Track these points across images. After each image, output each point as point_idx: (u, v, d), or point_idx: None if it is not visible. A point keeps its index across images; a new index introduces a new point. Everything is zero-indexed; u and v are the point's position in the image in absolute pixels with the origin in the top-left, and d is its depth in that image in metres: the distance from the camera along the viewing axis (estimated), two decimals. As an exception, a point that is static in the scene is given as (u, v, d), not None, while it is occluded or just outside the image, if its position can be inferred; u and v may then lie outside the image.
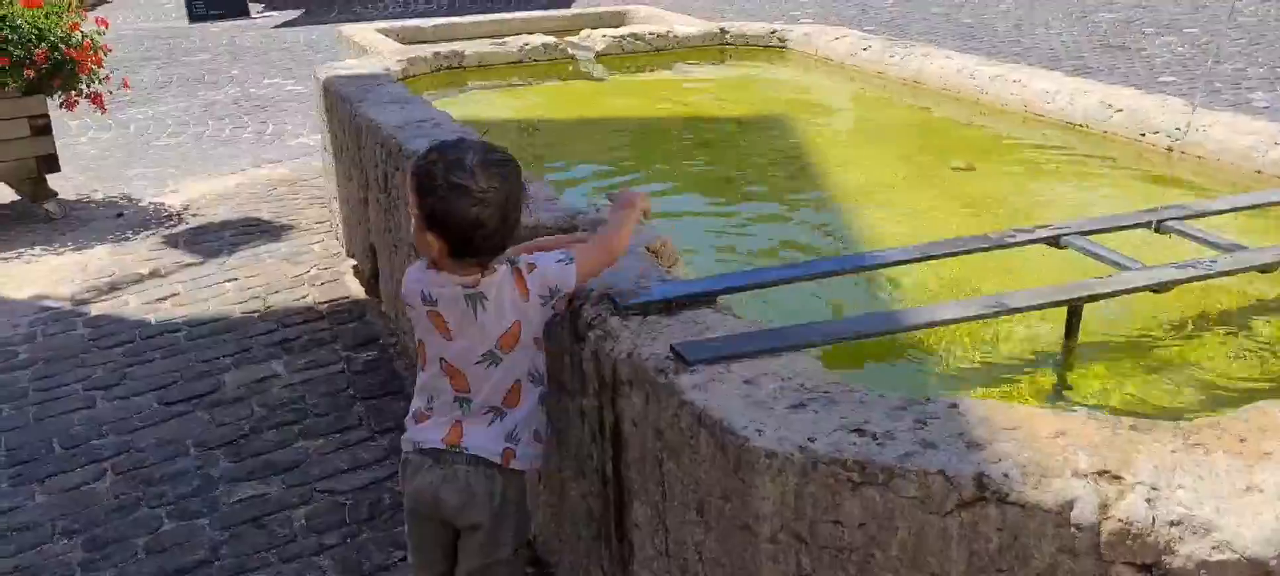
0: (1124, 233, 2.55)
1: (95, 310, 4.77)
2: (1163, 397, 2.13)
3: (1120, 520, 1.48)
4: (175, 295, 4.87)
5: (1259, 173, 3.22)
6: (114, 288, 5.02)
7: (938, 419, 1.66)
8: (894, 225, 3.15)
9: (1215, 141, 3.39)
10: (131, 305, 4.80)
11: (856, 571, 1.63)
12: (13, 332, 4.56)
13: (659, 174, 3.87)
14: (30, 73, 5.69)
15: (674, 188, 3.69)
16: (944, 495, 1.54)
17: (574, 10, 6.97)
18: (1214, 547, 1.45)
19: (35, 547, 3.07)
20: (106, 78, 6.18)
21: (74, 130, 8.08)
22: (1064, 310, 2.19)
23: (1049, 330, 2.32)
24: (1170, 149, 3.50)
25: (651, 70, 5.30)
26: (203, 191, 6.53)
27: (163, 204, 6.31)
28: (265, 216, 5.94)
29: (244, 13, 14.25)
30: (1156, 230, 2.56)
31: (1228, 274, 2.27)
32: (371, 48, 5.30)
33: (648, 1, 6.62)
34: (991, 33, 10.85)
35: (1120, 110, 3.71)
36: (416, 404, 2.17)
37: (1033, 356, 2.26)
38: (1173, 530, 1.47)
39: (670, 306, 2.12)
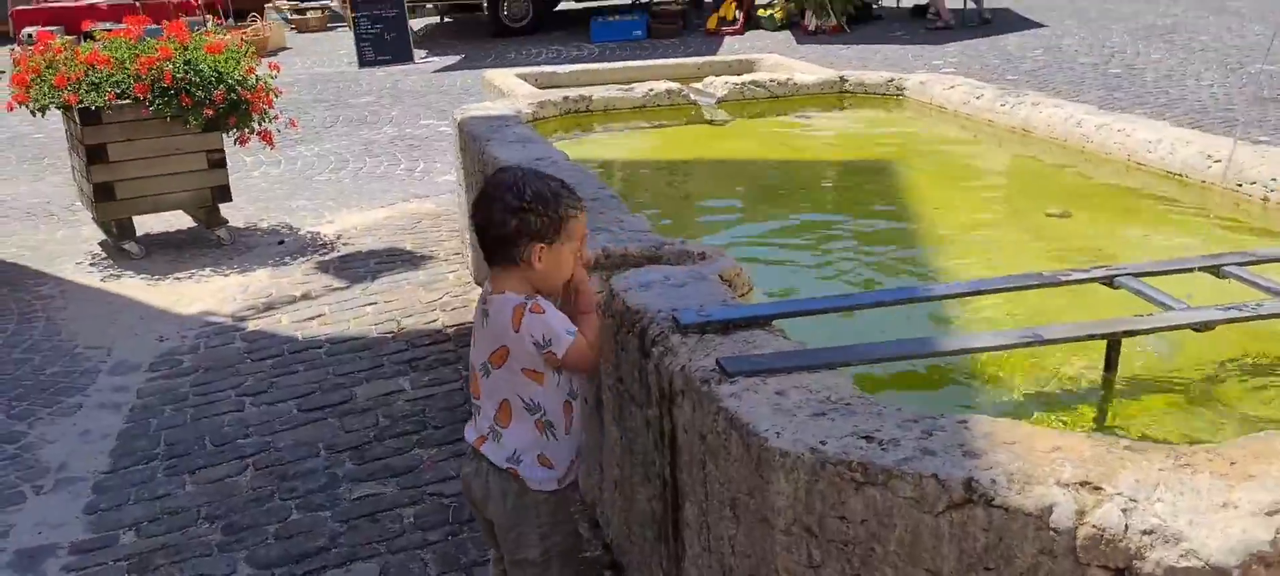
0: (1184, 276, 2.62)
1: (252, 326, 5.25)
2: (1201, 431, 2.21)
3: (1094, 526, 1.61)
4: (321, 316, 5.32)
5: (1355, 224, 3.21)
6: (270, 307, 5.51)
7: (943, 431, 1.82)
8: (977, 266, 3.26)
9: (1313, 194, 3.39)
10: (283, 323, 5.27)
11: (860, 564, 1.79)
12: (180, 343, 5.07)
13: (761, 213, 4.08)
14: (209, 111, 6.30)
15: (773, 226, 3.88)
16: (936, 496, 1.70)
17: (703, 59, 7.24)
18: (1182, 555, 1.57)
19: (181, 529, 3.46)
20: (276, 117, 6.77)
21: (247, 165, 8.80)
22: (1104, 344, 2.29)
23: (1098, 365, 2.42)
24: (1265, 199, 3.50)
25: (771, 116, 5.51)
26: (354, 222, 7.05)
27: (319, 233, 6.84)
28: (408, 247, 6.39)
29: (409, 59, 15.07)
30: (1217, 275, 2.62)
31: (1273, 316, 2.33)
32: (508, 91, 5.69)
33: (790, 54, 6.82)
34: (1140, 83, 10.63)
35: (1218, 160, 3.72)
36: None
37: (1077, 390, 2.37)
38: (1144, 538, 1.59)
39: (727, 327, 2.32)
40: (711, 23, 15.90)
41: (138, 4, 16.17)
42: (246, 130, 6.63)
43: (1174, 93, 10.04)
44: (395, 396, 4.33)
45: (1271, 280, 2.57)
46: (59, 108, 6.32)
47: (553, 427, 2.36)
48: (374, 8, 14.89)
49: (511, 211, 2.25)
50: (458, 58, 15.31)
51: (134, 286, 5.95)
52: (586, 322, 2.37)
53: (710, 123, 5.33)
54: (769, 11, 15.85)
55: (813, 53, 13.03)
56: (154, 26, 7.18)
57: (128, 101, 6.15)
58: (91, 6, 17.38)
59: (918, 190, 4.13)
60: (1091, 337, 2.27)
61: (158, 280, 6.03)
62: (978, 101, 5.03)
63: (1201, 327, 2.31)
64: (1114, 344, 2.28)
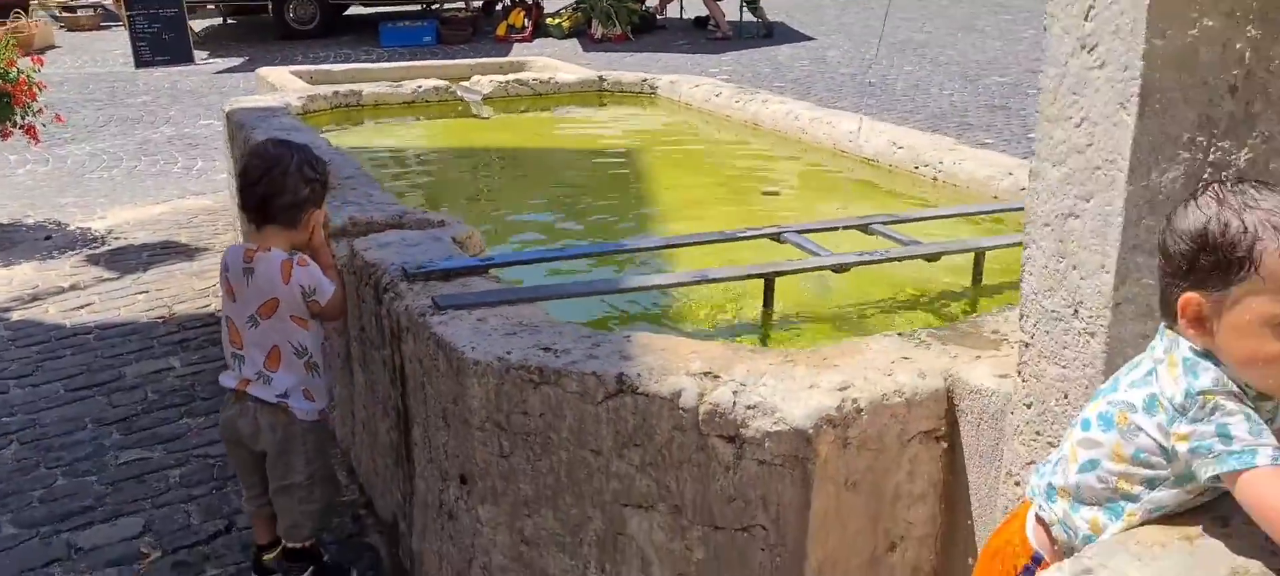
0: (840, 234, 3.17)
1: (16, 316, 5.25)
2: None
3: (711, 404, 2.07)
4: (90, 305, 5.37)
5: (995, 197, 3.88)
6: (36, 298, 5.51)
7: (609, 342, 2.25)
8: (688, 231, 3.74)
9: (967, 173, 4.06)
10: (51, 312, 5.30)
11: (540, 449, 2.20)
12: (-62, 333, 5.04)
13: (509, 191, 4.47)
14: (-34, 104, 6.20)
15: (518, 201, 4.28)
16: (596, 389, 2.13)
17: (474, 60, 7.59)
18: (774, 423, 2.04)
19: (-58, 499, 3.56)
20: (40, 111, 6.70)
21: (12, 163, 8.56)
22: (762, 283, 2.79)
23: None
24: (935, 178, 4.15)
25: (534, 112, 5.92)
26: (127, 217, 7.03)
27: (89, 228, 6.80)
28: (182, 240, 6.45)
29: (189, 59, 14.74)
30: (866, 232, 3.19)
31: (895, 260, 2.89)
32: (280, 86, 5.89)
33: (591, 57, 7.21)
34: (890, 93, 11.63)
35: (902, 147, 4.37)
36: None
37: (740, 321, 2.86)
38: (748, 411, 2.06)
39: (448, 275, 2.70)
40: (501, 30, 16.22)
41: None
42: (8, 123, 6.54)
43: (919, 99, 11.06)
44: (164, 374, 4.48)
45: (906, 236, 3.14)
46: None
47: (316, 367, 2.72)
48: (151, 7, 14.49)
49: (308, 182, 2.60)
50: (241, 60, 15.06)
51: (-114, 281, 5.81)
52: (329, 272, 2.70)
53: (475, 117, 5.70)
54: (557, 20, 16.32)
55: (597, 59, 13.57)
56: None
57: (-123, 92, 6.00)
58: None
59: (653, 173, 4.62)
60: (750, 277, 2.77)
61: (-87, 275, 5.91)
62: (717, 99, 5.59)
63: (839, 269, 2.85)
64: (769, 282, 2.78)
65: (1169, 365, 1.48)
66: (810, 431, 2.01)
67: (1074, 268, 1.81)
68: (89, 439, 3.94)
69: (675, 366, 2.13)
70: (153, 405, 4.19)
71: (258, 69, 11.93)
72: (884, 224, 3.18)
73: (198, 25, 17.04)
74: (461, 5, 18.13)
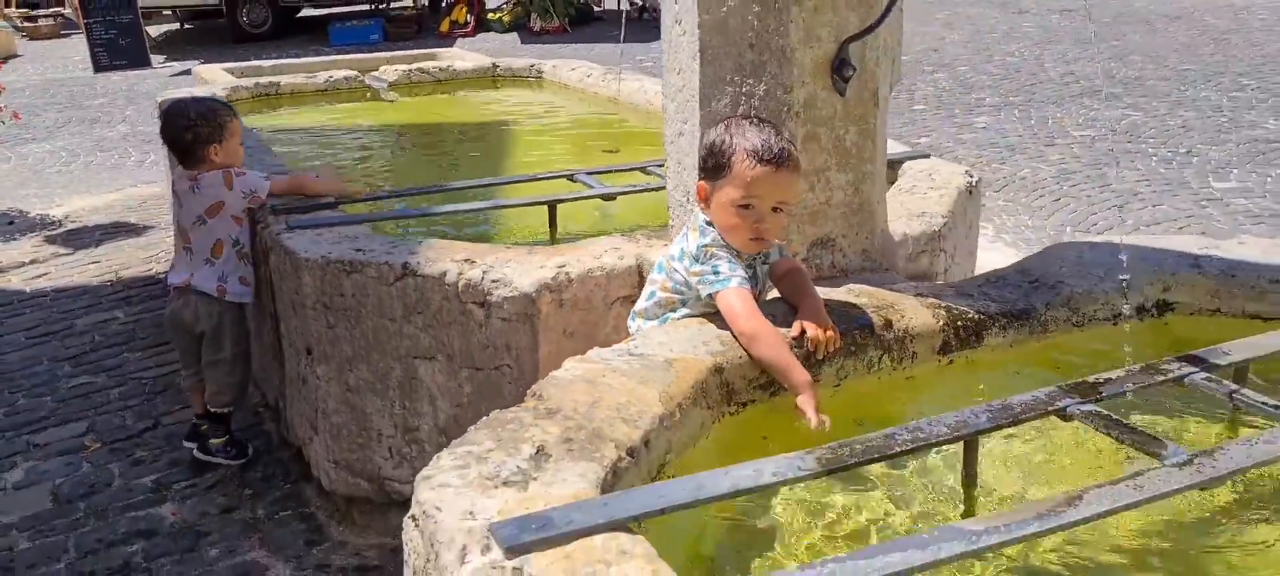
0: (627, 175, 4.05)
1: (-18, 285, 6.10)
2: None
3: (468, 280, 2.95)
4: (47, 274, 6.22)
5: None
6: (0, 270, 6.35)
7: (402, 245, 3.13)
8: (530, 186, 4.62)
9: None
10: (12, 282, 6.14)
11: (354, 320, 3.08)
12: (-85, 301, 5.87)
13: (391, 155, 5.36)
14: (-67, 105, 7.02)
15: (397, 162, 5.17)
16: (390, 275, 3.01)
17: (384, 53, 8.45)
18: (510, 289, 2.92)
19: (-74, 417, 4.42)
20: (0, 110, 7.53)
21: (-23, 162, 9.36)
22: (545, 210, 3.67)
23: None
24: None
25: (436, 96, 6.79)
26: (83, 205, 7.87)
27: (47, 214, 7.63)
28: (132, 221, 7.29)
29: (146, 64, 15.48)
30: (645, 173, 4.07)
31: (654, 190, 3.78)
32: (211, 80, 6.73)
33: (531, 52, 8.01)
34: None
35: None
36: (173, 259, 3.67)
37: (528, 242, 3.73)
38: (493, 283, 2.94)
39: (306, 210, 3.58)
40: (444, 26, 17.05)
41: None
42: (-29, 123, 7.37)
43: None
44: (109, 322, 5.35)
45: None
46: None
47: (247, 257, 3.65)
48: (108, 13, 15.19)
49: (183, 128, 3.50)
50: (196, 62, 15.81)
51: None
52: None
53: (380, 101, 6.56)
54: (498, 15, 17.17)
55: (532, 50, 14.43)
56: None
57: None
58: None
59: (521, 140, 5.50)
60: (535, 204, 3.66)
61: (-109, 256, 6.73)
62: (588, 79, 6.47)
63: (607, 198, 3.74)
64: (552, 209, 3.66)
65: (692, 228, 2.39)
66: (534, 294, 2.90)
67: (684, 169, 2.72)
68: (45, 371, 4.80)
69: (444, 256, 3.02)
70: (98, 345, 5.05)
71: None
72: (660, 166, 4.06)
73: (154, 31, 17.80)
74: (408, 4, 18.94)
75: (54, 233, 7.12)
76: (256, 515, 3.59)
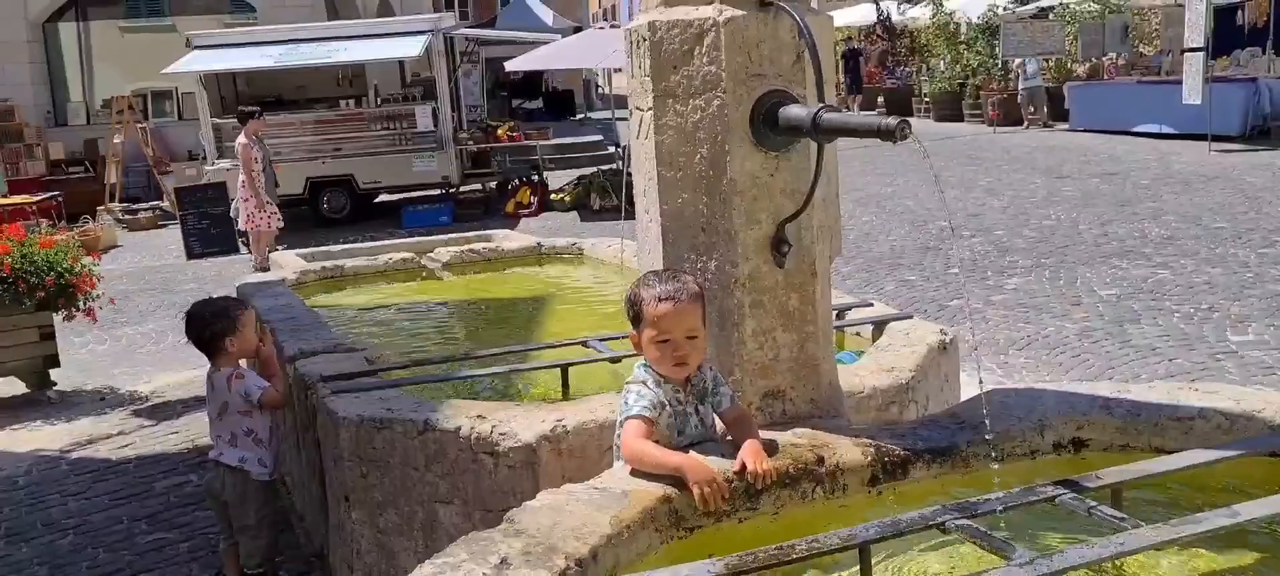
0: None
1: (75, 454, 6.72)
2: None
3: (479, 434, 3.41)
4: (132, 444, 6.84)
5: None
6: (91, 441, 6.99)
7: (424, 405, 3.62)
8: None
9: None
10: (102, 451, 6.76)
11: (382, 469, 3.55)
12: (15, 470, 6.51)
13: (435, 324, 5.92)
14: (41, 294, 7.83)
15: (440, 331, 5.72)
16: (414, 430, 3.48)
17: (447, 236, 9.18)
18: (514, 441, 3.37)
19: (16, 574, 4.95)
20: (98, 297, 8.33)
21: (76, 344, 10.19)
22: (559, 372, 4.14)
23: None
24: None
25: (485, 275, 7.41)
26: (169, 381, 8.56)
27: (136, 390, 8.33)
28: (210, 394, 7.94)
29: (235, 250, 16.60)
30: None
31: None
32: (284, 265, 7.44)
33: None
34: (846, 240, 13.03)
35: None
36: None
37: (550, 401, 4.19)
38: (501, 436, 3.40)
39: (349, 377, 4.10)
40: (510, 207, 18.00)
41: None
42: (73, 309, 8.17)
43: (864, 246, 12.45)
44: (184, 485, 5.89)
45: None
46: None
47: (263, 443, 4.13)
48: (201, 206, 16.45)
49: (201, 327, 4.09)
50: (282, 248, 16.93)
51: (-24, 436, 7.33)
52: (276, 379, 4.14)
53: (434, 278, 7.19)
54: (561, 196, 18.10)
55: (593, 228, 15.21)
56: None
57: (-27, 289, 7.66)
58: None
59: (553, 310, 6.05)
60: (551, 367, 4.14)
61: (-4, 431, 7.43)
62: (622, 256, 7.04)
63: (615, 360, 4.20)
64: (564, 372, 4.13)
65: (638, 363, 2.85)
66: (535, 444, 3.35)
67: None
68: (123, 529, 5.33)
69: (460, 413, 3.49)
70: (172, 506, 5.59)
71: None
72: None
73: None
74: (478, 187, 20.02)
75: (140, 406, 7.78)
76: (301, 652, 4.01)
